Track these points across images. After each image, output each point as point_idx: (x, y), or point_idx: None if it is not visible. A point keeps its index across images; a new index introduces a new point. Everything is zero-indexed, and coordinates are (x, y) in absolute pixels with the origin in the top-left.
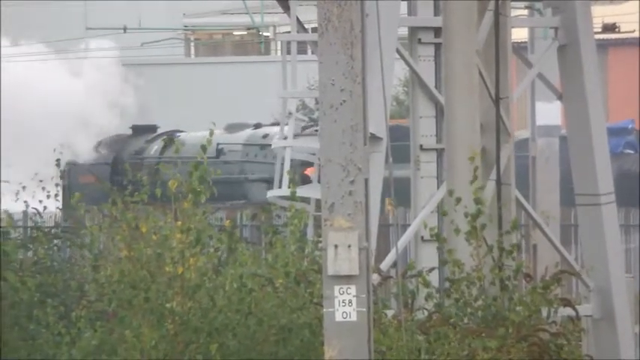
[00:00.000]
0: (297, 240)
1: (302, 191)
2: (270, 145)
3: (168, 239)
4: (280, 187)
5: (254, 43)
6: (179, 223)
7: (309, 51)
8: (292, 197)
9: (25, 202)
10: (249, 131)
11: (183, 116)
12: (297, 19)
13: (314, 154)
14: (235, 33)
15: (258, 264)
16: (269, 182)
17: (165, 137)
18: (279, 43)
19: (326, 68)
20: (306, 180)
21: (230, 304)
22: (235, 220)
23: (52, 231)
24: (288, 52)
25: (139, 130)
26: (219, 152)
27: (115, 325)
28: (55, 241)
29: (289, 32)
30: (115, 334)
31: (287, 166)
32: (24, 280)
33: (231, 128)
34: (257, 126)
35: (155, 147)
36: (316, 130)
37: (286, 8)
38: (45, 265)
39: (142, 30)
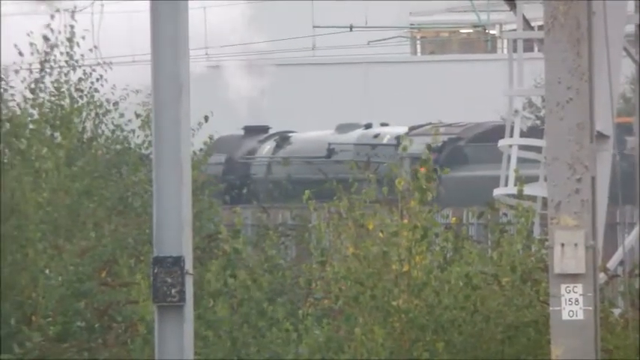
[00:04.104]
0: (524, 238)
1: (528, 189)
2: (381, 144)
3: (395, 237)
4: (506, 185)
5: (480, 41)
6: (405, 221)
7: (536, 49)
8: (519, 195)
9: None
10: (359, 131)
11: (403, 113)
12: (524, 16)
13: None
14: (462, 31)
15: (484, 262)
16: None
17: (277, 137)
18: (505, 41)
19: (552, 66)
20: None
21: (456, 302)
22: (461, 217)
23: (280, 229)
24: (515, 50)
25: (250, 131)
26: (331, 152)
27: (341, 322)
28: (283, 239)
29: (515, 30)
30: (341, 331)
31: (513, 164)
32: (254, 278)
33: (342, 128)
34: (368, 126)
35: (267, 147)
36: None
37: (512, 6)
38: (273, 263)
39: (368, 28)
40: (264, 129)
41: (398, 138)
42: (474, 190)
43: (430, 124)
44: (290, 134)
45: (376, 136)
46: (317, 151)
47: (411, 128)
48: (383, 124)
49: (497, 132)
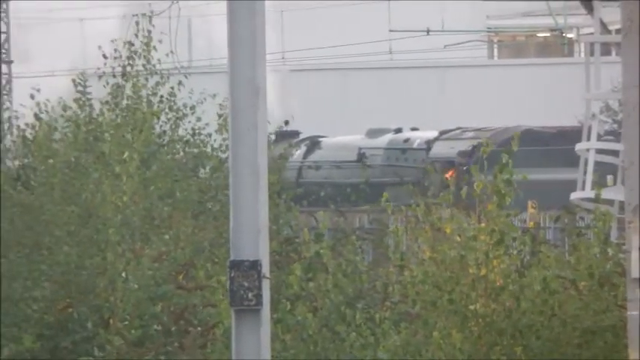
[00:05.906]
0: (601, 242)
1: (605, 193)
2: (411, 149)
3: (472, 240)
4: (583, 189)
5: (557, 45)
6: (483, 224)
7: (613, 52)
8: (597, 199)
9: None
10: (389, 136)
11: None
12: (601, 20)
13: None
14: (539, 35)
15: (561, 266)
16: (412, 185)
17: (307, 142)
18: (582, 45)
19: (629, 69)
20: (445, 183)
21: (534, 306)
22: (538, 222)
23: (357, 233)
24: (592, 54)
25: (281, 136)
26: (361, 156)
27: (419, 326)
28: (359, 243)
29: (592, 33)
30: (418, 335)
31: (590, 168)
32: (335, 282)
33: (373, 133)
34: (398, 131)
35: (298, 151)
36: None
37: (589, 9)
38: (352, 267)
39: (444, 32)
40: (294, 134)
41: (428, 142)
42: None
43: (459, 128)
44: (320, 139)
45: (406, 140)
46: (347, 156)
47: (441, 132)
48: (413, 129)
49: (526, 136)
